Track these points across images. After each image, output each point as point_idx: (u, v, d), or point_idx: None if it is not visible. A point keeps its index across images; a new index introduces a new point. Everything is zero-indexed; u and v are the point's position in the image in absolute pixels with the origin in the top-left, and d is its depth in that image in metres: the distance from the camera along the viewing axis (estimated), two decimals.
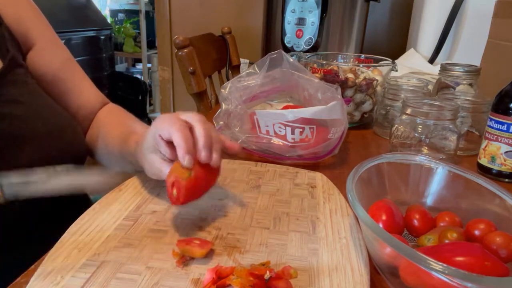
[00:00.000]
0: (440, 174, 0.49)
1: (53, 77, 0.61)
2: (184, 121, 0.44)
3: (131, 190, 0.52)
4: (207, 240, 0.42)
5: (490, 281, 0.29)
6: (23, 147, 0.49)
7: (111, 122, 0.65)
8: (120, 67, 3.70)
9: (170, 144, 0.44)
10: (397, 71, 0.91)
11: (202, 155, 0.43)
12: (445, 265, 0.29)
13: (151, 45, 3.22)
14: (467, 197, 0.47)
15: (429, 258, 0.30)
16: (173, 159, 0.45)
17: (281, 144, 0.66)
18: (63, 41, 0.66)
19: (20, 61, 0.56)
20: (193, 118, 0.45)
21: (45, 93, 0.59)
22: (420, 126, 0.68)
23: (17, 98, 0.52)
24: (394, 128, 0.71)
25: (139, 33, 3.20)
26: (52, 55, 0.62)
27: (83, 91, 0.65)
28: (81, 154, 0.58)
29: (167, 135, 0.43)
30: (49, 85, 0.61)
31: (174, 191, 0.42)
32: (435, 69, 1.11)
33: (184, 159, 0.42)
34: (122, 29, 3.33)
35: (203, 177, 0.44)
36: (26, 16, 0.60)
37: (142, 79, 3.14)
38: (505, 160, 0.62)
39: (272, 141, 0.67)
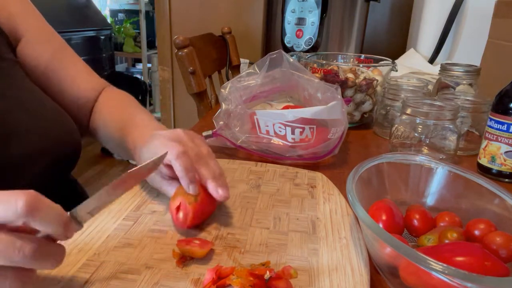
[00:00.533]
0: (440, 174, 0.49)
1: (44, 69, 0.61)
2: (183, 146, 0.44)
3: (131, 191, 0.52)
4: (207, 240, 0.42)
5: (490, 281, 0.29)
6: (9, 142, 0.49)
7: (110, 109, 0.64)
8: (120, 67, 3.70)
9: (169, 165, 0.45)
10: (397, 71, 0.91)
11: (219, 194, 0.44)
12: (445, 265, 0.29)
13: (151, 45, 3.22)
14: (467, 197, 0.47)
15: (429, 258, 0.30)
16: (173, 177, 0.46)
17: (281, 144, 0.66)
18: (53, 29, 0.65)
19: (5, 54, 0.55)
20: (198, 150, 0.46)
21: (38, 86, 0.58)
22: (420, 126, 0.68)
23: (2, 92, 0.51)
24: (394, 128, 0.71)
25: (139, 33, 3.20)
26: (42, 46, 0.61)
27: (77, 80, 0.64)
28: (74, 148, 0.57)
29: (166, 161, 0.44)
30: (42, 77, 0.61)
31: (181, 214, 0.43)
32: (435, 69, 1.11)
33: (189, 188, 0.43)
34: (122, 29, 3.34)
35: (208, 200, 0.45)
36: (14, 8, 0.59)
37: (142, 79, 3.14)
38: (505, 160, 0.62)
39: (272, 141, 0.67)
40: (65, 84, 0.63)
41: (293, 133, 0.65)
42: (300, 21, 1.36)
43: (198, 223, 0.45)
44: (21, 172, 0.49)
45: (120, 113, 0.62)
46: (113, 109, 0.64)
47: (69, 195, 0.63)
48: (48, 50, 0.62)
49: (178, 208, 0.43)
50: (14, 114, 0.51)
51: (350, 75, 0.84)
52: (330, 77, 0.83)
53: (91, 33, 2.66)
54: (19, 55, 0.59)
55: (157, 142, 0.46)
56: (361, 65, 0.89)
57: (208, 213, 0.46)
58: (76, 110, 0.63)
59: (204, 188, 0.45)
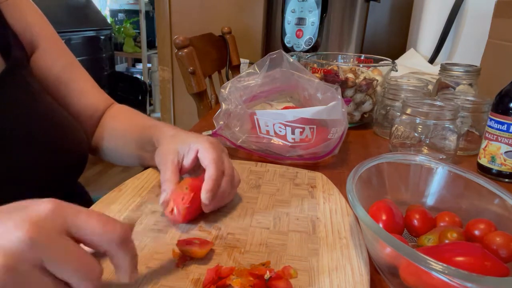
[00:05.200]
0: (440, 174, 0.49)
1: (54, 80, 0.62)
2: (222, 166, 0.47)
3: (131, 191, 0.52)
4: (207, 240, 0.42)
5: (490, 281, 0.29)
6: (23, 148, 0.49)
7: (125, 116, 0.66)
8: (120, 67, 3.70)
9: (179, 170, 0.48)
10: (397, 71, 0.91)
11: (205, 196, 0.44)
12: (445, 265, 0.29)
13: (151, 45, 3.22)
14: (467, 197, 0.47)
15: (429, 258, 0.30)
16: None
17: (281, 144, 0.66)
18: (63, 41, 0.66)
19: (24, 63, 0.57)
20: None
21: (49, 96, 0.59)
22: (420, 126, 0.68)
23: (18, 100, 0.52)
24: (394, 128, 0.71)
25: (139, 33, 3.20)
26: (54, 58, 0.62)
27: (85, 93, 0.66)
28: (83, 156, 0.58)
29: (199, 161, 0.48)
30: (51, 87, 0.61)
31: (175, 209, 0.44)
32: (435, 69, 1.11)
33: (205, 195, 0.44)
34: (122, 29, 3.33)
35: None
36: (30, 19, 0.60)
37: (142, 79, 3.14)
38: (505, 160, 0.62)
39: (272, 141, 0.67)
40: (73, 96, 0.64)
41: (293, 133, 0.65)
42: (300, 21, 1.36)
43: (190, 218, 0.45)
44: (29, 178, 0.50)
45: (140, 118, 0.63)
46: (129, 117, 0.66)
47: (72, 197, 0.63)
48: (60, 62, 0.63)
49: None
50: (29, 121, 0.51)
51: (350, 75, 0.84)
52: (330, 77, 0.83)
53: (91, 33, 2.66)
54: (32, 65, 0.60)
55: (203, 138, 0.49)
56: (361, 65, 0.89)
57: (199, 209, 0.46)
58: (80, 123, 0.64)
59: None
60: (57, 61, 0.63)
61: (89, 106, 0.66)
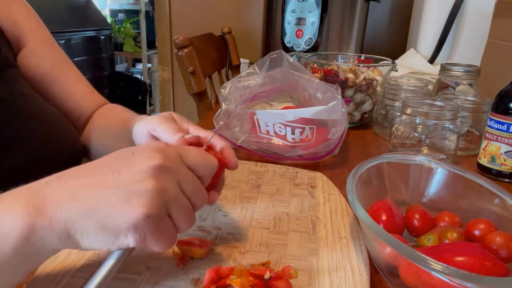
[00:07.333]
0: (440, 174, 0.49)
1: (41, 79, 0.61)
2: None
3: None
4: (207, 240, 0.42)
5: (490, 281, 0.29)
6: (15, 147, 0.49)
7: (111, 113, 0.65)
8: (120, 67, 3.70)
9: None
10: (397, 71, 0.90)
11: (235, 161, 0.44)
12: (445, 265, 0.29)
13: (151, 45, 3.22)
14: (467, 197, 0.47)
15: (429, 258, 0.30)
16: None
17: (281, 144, 0.66)
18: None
19: (12, 61, 0.56)
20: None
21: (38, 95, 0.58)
22: (420, 126, 0.68)
23: (9, 98, 0.51)
24: (394, 128, 0.71)
25: (139, 33, 3.20)
26: (41, 57, 0.61)
27: (75, 93, 0.64)
28: (77, 153, 0.58)
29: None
30: (39, 87, 0.60)
31: None
32: (435, 69, 1.11)
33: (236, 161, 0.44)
34: (122, 29, 3.33)
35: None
36: (19, 17, 0.59)
37: (142, 79, 3.14)
38: (505, 160, 0.62)
39: (272, 141, 0.67)
40: (61, 96, 0.63)
41: (293, 133, 0.65)
42: (300, 21, 1.36)
43: None
44: (25, 177, 0.49)
45: (126, 113, 0.62)
46: (115, 112, 0.64)
47: None
48: (47, 62, 0.62)
49: None
50: (21, 119, 0.51)
51: (350, 75, 0.84)
52: (330, 77, 0.83)
53: (91, 33, 2.65)
54: (19, 63, 0.59)
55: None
56: (361, 65, 0.89)
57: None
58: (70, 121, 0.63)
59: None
60: (44, 60, 0.61)
61: (79, 106, 0.64)
